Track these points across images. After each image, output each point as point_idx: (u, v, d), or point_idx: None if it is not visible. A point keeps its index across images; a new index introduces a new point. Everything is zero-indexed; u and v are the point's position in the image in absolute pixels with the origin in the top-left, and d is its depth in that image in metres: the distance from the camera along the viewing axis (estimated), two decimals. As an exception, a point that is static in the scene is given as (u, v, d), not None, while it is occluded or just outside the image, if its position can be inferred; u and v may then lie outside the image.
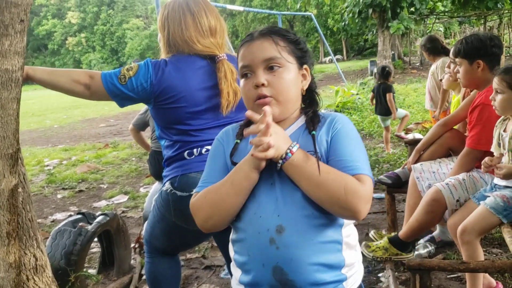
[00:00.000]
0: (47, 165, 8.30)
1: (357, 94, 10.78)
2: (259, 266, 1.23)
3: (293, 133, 1.30)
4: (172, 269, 2.31)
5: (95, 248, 3.90)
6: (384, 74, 6.09)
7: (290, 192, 1.22)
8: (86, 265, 3.66)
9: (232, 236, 1.34)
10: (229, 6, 12.70)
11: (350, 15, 19.34)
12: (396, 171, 3.08)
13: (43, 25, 75.85)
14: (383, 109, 5.99)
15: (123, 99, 2.03)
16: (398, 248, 2.68)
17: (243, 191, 1.23)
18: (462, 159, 2.58)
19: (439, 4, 20.48)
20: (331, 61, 29.90)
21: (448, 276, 2.88)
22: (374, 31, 20.41)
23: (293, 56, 1.30)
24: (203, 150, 2.01)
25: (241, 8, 14.85)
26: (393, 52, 22.07)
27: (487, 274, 2.56)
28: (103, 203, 5.56)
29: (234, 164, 1.28)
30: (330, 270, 1.23)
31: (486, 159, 2.35)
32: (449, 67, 3.24)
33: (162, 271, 2.27)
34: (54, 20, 76.07)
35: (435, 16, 22.97)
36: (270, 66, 1.26)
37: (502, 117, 2.36)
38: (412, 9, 18.78)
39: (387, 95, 5.88)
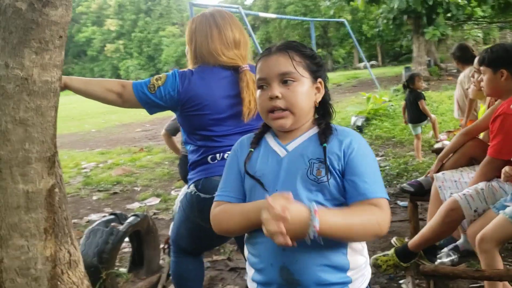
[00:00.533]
0: (84, 168, 8.60)
1: (389, 101, 10.71)
2: (268, 266, 1.33)
3: (304, 141, 1.38)
4: (197, 269, 2.43)
5: (127, 248, 4.06)
6: (409, 79, 6.10)
7: (295, 198, 1.28)
8: (117, 264, 3.83)
9: (246, 236, 1.44)
10: (262, 14, 12.84)
11: (385, 21, 19.20)
12: (419, 179, 3.11)
13: (83, 32, 77.93)
14: (413, 116, 5.99)
15: (152, 107, 2.19)
16: (401, 259, 2.69)
17: (254, 225, 1.29)
18: (483, 168, 2.61)
19: (477, 9, 20.05)
20: (365, 67, 29.70)
21: (470, 286, 2.89)
22: (409, 37, 20.18)
23: (307, 70, 1.38)
24: (225, 155, 2.13)
25: (274, 16, 14.91)
26: (429, 59, 21.72)
27: (508, 284, 2.58)
28: (136, 205, 5.75)
29: (247, 173, 1.39)
30: (335, 272, 1.31)
31: (506, 167, 2.38)
32: (473, 76, 3.25)
33: (187, 270, 2.38)
34: (93, 27, 78.13)
35: (473, 22, 22.50)
36: (285, 80, 1.35)
37: None
38: (449, 15, 18.44)
39: (419, 102, 5.88)
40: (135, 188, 6.69)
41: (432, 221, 2.60)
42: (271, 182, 1.35)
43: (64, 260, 2.13)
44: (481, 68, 2.70)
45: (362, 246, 1.40)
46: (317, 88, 1.42)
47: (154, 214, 5.27)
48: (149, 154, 9.30)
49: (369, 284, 1.42)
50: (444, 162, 2.99)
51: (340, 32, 41.91)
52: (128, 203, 5.93)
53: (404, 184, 3.10)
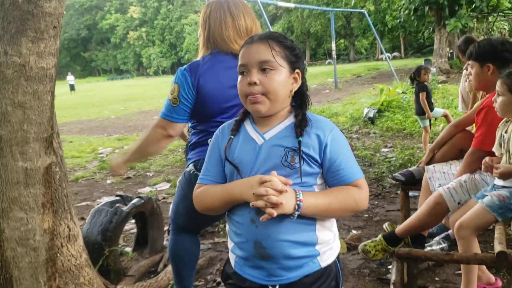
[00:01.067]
0: (101, 153, 8.85)
1: (403, 92, 10.67)
2: (244, 241, 1.45)
3: (281, 131, 1.48)
4: (193, 247, 2.55)
5: (134, 229, 4.24)
6: (416, 71, 6.10)
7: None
8: (123, 243, 4.02)
9: (226, 214, 1.57)
10: (280, 3, 12.82)
11: (406, 12, 19.01)
12: (411, 169, 3.20)
13: (106, 19, 78.72)
14: (419, 109, 6.02)
15: (190, 112, 2.26)
16: (389, 243, 2.78)
17: (233, 202, 1.46)
18: (468, 159, 2.69)
19: (504, 0, 19.66)
20: (389, 58, 29.45)
21: (456, 272, 2.99)
22: (431, 29, 19.94)
23: (286, 60, 1.47)
24: None
25: (292, 5, 14.88)
26: (451, 51, 21.43)
27: (486, 270, 2.66)
28: (147, 189, 5.94)
29: (227, 159, 1.50)
30: (303, 247, 1.42)
31: (486, 158, 2.45)
32: (466, 69, 3.31)
33: (183, 248, 2.51)
34: (117, 14, 78.82)
35: (498, 14, 22.08)
36: (264, 68, 1.44)
37: (505, 118, 2.45)
38: (472, 6, 18.14)
39: (420, 94, 5.90)
40: (148, 174, 6.88)
41: (419, 211, 2.69)
42: (248, 167, 1.46)
43: (64, 234, 2.30)
44: (470, 62, 2.78)
45: (331, 223, 1.52)
46: (294, 78, 1.50)
47: (164, 198, 5.44)
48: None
49: (337, 258, 1.54)
50: (435, 153, 3.07)
51: (362, 23, 41.49)
52: (139, 187, 6.12)
53: (396, 174, 3.19)
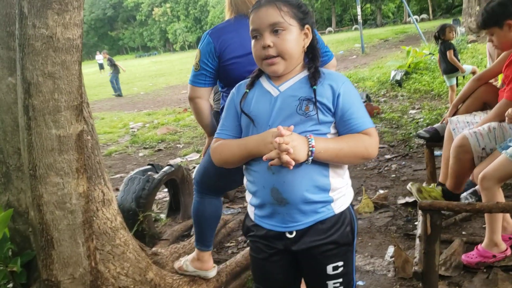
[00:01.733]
0: (132, 128, 9.07)
1: (430, 54, 10.44)
2: (261, 188, 1.52)
3: (296, 83, 1.53)
4: (215, 208, 2.62)
5: (167, 197, 4.39)
6: (442, 31, 5.98)
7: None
8: (157, 210, 4.18)
9: (244, 167, 1.64)
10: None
11: (433, -29, 18.37)
12: (435, 126, 3.20)
13: (131, -3, 78.72)
14: (446, 67, 5.93)
15: (212, 77, 2.31)
16: (444, 195, 2.84)
17: (250, 155, 1.52)
18: (499, 109, 2.65)
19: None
20: (416, 20, 28.62)
21: (483, 226, 3.00)
22: (460, -13, 19.24)
23: (295, 19, 1.51)
24: None
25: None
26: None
27: (511, 221, 2.68)
28: (177, 160, 6.10)
29: (243, 111, 1.56)
30: (318, 192, 1.49)
31: (510, 110, 2.44)
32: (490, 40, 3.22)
33: (206, 209, 2.59)
34: (141, -9, 78.67)
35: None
36: (275, 29, 1.49)
37: None
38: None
39: (448, 52, 5.79)
40: (178, 145, 7.04)
41: (450, 161, 2.73)
42: (264, 118, 1.52)
43: (98, 198, 2.42)
44: (486, 31, 2.73)
45: (344, 171, 1.58)
46: (305, 34, 1.55)
47: (194, 167, 5.58)
48: (192, 114, 9.62)
49: (351, 204, 1.60)
50: (458, 107, 3.06)
51: (389, -15, 40.31)
52: (171, 158, 6.29)
53: (420, 131, 3.20)
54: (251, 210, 1.63)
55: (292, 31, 1.50)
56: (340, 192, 1.54)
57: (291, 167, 1.38)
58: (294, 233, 1.50)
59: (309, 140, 1.40)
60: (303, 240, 1.50)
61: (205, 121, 2.45)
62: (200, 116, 2.42)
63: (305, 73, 1.55)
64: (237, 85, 1.69)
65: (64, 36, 1.80)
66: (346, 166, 1.60)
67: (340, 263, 1.55)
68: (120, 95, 16.57)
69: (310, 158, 1.41)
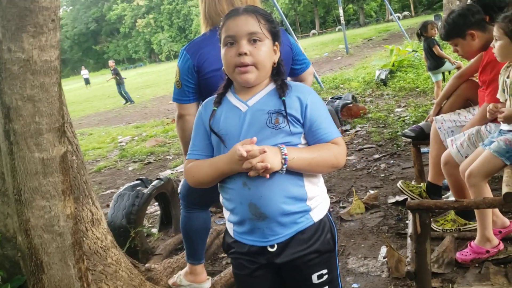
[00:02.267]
0: (120, 142, 9.03)
1: (414, 51, 10.53)
2: (238, 205, 1.51)
3: (264, 97, 1.54)
4: (203, 222, 2.62)
5: (158, 211, 4.37)
6: (422, 27, 6.06)
7: (256, 144, 1.44)
8: (149, 225, 4.16)
9: (218, 185, 1.63)
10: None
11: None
12: (420, 124, 3.23)
13: (113, 10, 78.72)
14: (431, 64, 5.99)
15: (195, 92, 2.29)
16: (465, 218, 2.89)
17: (222, 175, 1.51)
18: (483, 113, 2.67)
19: None
20: (399, 18, 28.85)
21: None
22: (439, -17, 19.45)
23: (270, 33, 1.54)
24: None
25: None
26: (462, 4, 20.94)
27: (500, 215, 2.70)
28: (167, 172, 6.07)
29: (212, 130, 1.55)
30: (295, 202, 1.49)
31: (491, 105, 2.47)
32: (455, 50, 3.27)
33: (194, 223, 2.58)
34: (123, 4, 78.71)
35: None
36: (253, 39, 1.50)
37: (506, 64, 2.45)
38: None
39: (434, 48, 5.86)
40: (168, 157, 7.02)
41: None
42: (235, 134, 1.51)
43: (87, 218, 2.41)
44: (450, 42, 2.81)
45: (318, 179, 1.59)
46: (274, 50, 1.58)
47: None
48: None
49: (329, 211, 1.61)
50: (442, 106, 3.08)
51: (369, -16, 40.64)
52: (161, 171, 6.26)
53: (406, 130, 3.22)
54: (230, 227, 1.61)
55: (267, 44, 1.53)
56: (317, 200, 1.55)
57: (268, 176, 1.39)
58: (276, 247, 1.50)
59: (281, 149, 1.41)
60: (286, 253, 1.50)
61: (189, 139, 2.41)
62: (187, 133, 2.32)
63: (271, 86, 1.57)
64: (203, 103, 1.68)
65: (41, 58, 1.79)
66: (320, 174, 1.61)
67: (325, 271, 1.55)
68: (131, 102, 17.11)
69: (284, 167, 1.41)
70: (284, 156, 1.40)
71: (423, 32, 5.97)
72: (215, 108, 1.59)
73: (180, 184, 2.70)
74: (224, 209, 1.63)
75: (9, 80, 1.75)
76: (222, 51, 1.55)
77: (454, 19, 2.70)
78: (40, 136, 1.86)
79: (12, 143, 1.83)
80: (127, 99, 17.41)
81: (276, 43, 1.58)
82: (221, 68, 2.24)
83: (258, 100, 1.54)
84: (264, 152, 1.37)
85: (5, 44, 1.71)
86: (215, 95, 1.64)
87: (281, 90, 1.52)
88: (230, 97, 1.60)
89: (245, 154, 1.35)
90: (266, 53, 1.52)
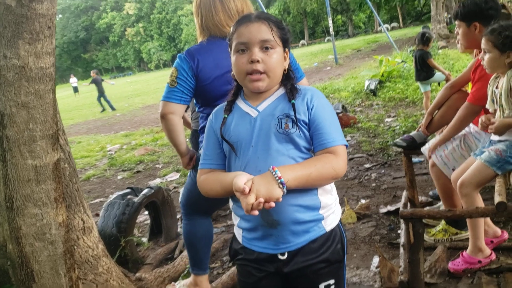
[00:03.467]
0: (109, 150, 8.97)
1: (402, 61, 10.65)
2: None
3: (274, 101, 1.54)
4: (206, 230, 2.60)
5: (148, 220, 4.34)
6: (423, 40, 6.13)
7: (267, 151, 1.47)
8: (138, 234, 4.13)
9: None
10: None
11: (400, -19, 18.82)
12: (411, 134, 3.23)
13: (103, 19, 78.60)
14: (421, 75, 6.05)
15: (188, 95, 2.29)
16: (456, 227, 2.91)
17: (232, 193, 1.47)
18: (462, 113, 2.70)
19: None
20: (387, 29, 29.15)
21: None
22: (427, -5, 19.72)
23: (281, 40, 1.54)
24: None
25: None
26: (449, 16, 21.22)
27: (491, 224, 2.73)
28: (157, 181, 6.04)
29: (223, 137, 1.54)
30: (308, 211, 1.48)
31: (483, 117, 2.49)
32: (457, 33, 3.31)
33: (197, 231, 2.56)
34: (113, 12, 78.67)
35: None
36: (266, 46, 1.50)
37: (495, 74, 2.48)
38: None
39: (428, 61, 5.94)
40: (157, 166, 6.98)
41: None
42: (246, 140, 1.50)
43: (79, 227, 2.39)
44: (456, 22, 2.80)
45: (331, 187, 1.58)
46: (284, 57, 1.58)
47: (174, 187, 5.53)
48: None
49: (340, 221, 1.60)
50: (433, 116, 3.11)
51: (359, -4, 41.08)
52: (150, 179, 6.22)
53: (397, 140, 3.22)
54: (238, 233, 1.59)
55: (278, 51, 1.52)
56: (330, 209, 1.54)
57: (273, 204, 1.35)
58: (286, 255, 1.49)
59: (274, 173, 1.37)
60: (295, 261, 1.49)
61: (178, 139, 2.37)
62: (173, 134, 2.34)
63: (281, 90, 1.57)
64: (213, 111, 1.67)
65: (37, 65, 1.78)
66: (332, 184, 1.60)
67: (332, 281, 1.54)
68: (112, 109, 17.40)
69: (285, 189, 1.37)
70: (279, 180, 1.36)
71: (425, 45, 6.04)
72: (226, 116, 1.58)
73: (180, 193, 2.68)
74: (233, 214, 1.62)
75: (4, 86, 1.74)
76: (233, 57, 1.54)
77: (469, 4, 2.70)
78: (34, 143, 1.85)
79: (5, 150, 1.82)
80: (110, 107, 17.73)
81: (286, 49, 1.58)
82: (219, 75, 2.25)
83: (268, 105, 1.54)
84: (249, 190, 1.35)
85: (1, 51, 1.71)
86: (225, 103, 1.63)
87: (291, 93, 1.52)
88: (240, 103, 1.59)
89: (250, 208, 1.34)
90: (278, 60, 1.52)
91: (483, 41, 2.38)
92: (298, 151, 1.48)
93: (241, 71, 1.52)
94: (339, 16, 54.26)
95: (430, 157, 2.93)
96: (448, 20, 20.02)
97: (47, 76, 1.83)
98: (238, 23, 1.55)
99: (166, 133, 2.37)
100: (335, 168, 1.45)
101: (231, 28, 1.57)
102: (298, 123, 1.47)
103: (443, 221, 2.97)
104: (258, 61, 1.48)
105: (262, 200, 1.33)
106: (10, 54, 1.72)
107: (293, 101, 1.50)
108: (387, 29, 26.64)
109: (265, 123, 1.49)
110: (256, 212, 1.34)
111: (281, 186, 1.36)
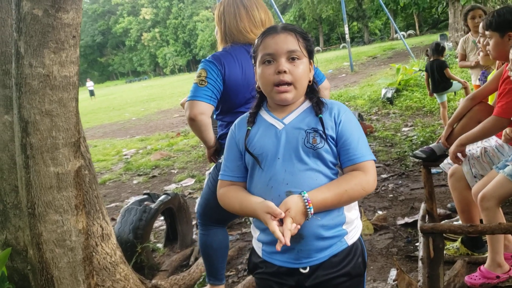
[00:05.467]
0: (125, 155, 9.02)
1: (420, 70, 10.56)
2: None
3: (300, 114, 1.53)
4: (222, 239, 2.60)
5: (164, 226, 4.35)
6: (439, 50, 6.07)
7: (295, 165, 1.46)
8: (154, 240, 4.14)
9: None
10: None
11: (418, -12, 18.72)
12: (431, 145, 3.20)
13: (120, 23, 79.35)
14: (439, 85, 5.99)
15: (216, 97, 2.27)
16: (470, 248, 2.88)
17: (249, 216, 1.52)
18: (487, 125, 2.61)
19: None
20: (404, 36, 29.00)
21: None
22: (444, 4, 19.59)
23: (307, 51, 1.54)
24: None
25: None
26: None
27: (510, 237, 2.68)
28: (172, 186, 6.06)
29: (248, 151, 1.53)
30: (334, 226, 1.47)
31: (507, 129, 2.46)
32: (479, 42, 3.27)
33: (213, 241, 2.56)
34: (129, 17, 79.40)
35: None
36: (292, 57, 1.50)
37: None
38: (486, -24, 17.73)
39: (445, 70, 5.87)
40: (172, 171, 7.00)
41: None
42: (272, 152, 1.49)
43: (97, 233, 2.40)
44: (487, 32, 2.73)
45: (355, 202, 1.56)
46: (310, 68, 1.57)
47: (189, 193, 5.55)
48: (186, 138, 9.63)
49: (361, 234, 1.59)
50: (453, 127, 3.07)
51: (374, 4, 40.93)
52: (165, 185, 6.25)
53: (416, 151, 3.19)
54: (258, 246, 1.59)
55: (305, 62, 1.52)
56: (353, 223, 1.54)
57: (299, 227, 1.37)
58: (308, 269, 1.47)
59: (303, 197, 1.38)
60: (317, 274, 1.47)
61: (208, 136, 2.34)
62: (203, 133, 2.31)
63: (307, 104, 1.56)
64: (235, 122, 1.66)
65: (61, 74, 1.80)
66: None
67: None
68: None
69: (310, 215, 1.39)
70: (309, 208, 1.37)
71: (440, 55, 5.98)
72: (249, 128, 1.56)
73: (197, 203, 2.67)
74: (252, 227, 1.61)
75: (29, 94, 1.76)
76: (259, 69, 1.54)
77: (505, 13, 2.63)
78: (56, 151, 1.87)
79: (28, 157, 1.83)
80: None
81: (311, 60, 1.58)
82: (243, 81, 2.25)
83: (295, 117, 1.53)
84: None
85: (26, 60, 1.72)
86: (247, 114, 1.63)
87: (318, 107, 1.51)
88: (265, 115, 1.58)
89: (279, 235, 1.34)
90: (304, 71, 1.52)
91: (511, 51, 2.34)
92: (325, 166, 1.47)
93: (267, 82, 1.51)
94: (354, 23, 54.13)
95: (443, 143, 2.95)
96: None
97: (70, 84, 1.85)
98: (264, 35, 1.54)
99: (196, 133, 2.33)
100: (365, 188, 1.44)
101: (257, 40, 1.57)
102: (326, 138, 1.46)
103: (458, 240, 2.93)
104: (285, 72, 1.47)
105: (299, 226, 1.35)
106: (36, 63, 1.74)
107: (320, 115, 1.49)
108: (404, 36, 26.50)
109: (292, 136, 1.48)
110: (289, 243, 1.33)
111: (308, 211, 1.37)
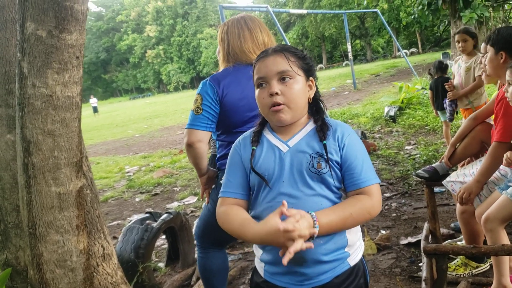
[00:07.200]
0: (128, 172, 9.01)
1: (423, 88, 10.59)
2: (275, 246, 1.43)
3: (304, 137, 1.52)
4: (221, 261, 2.58)
5: (165, 244, 4.32)
6: (442, 68, 6.06)
7: (299, 188, 1.46)
8: (156, 259, 4.11)
9: None
10: (292, 11, 12.92)
11: (420, 7, 18.81)
12: (434, 165, 3.19)
13: (124, 40, 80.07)
14: (439, 104, 5.97)
15: (214, 121, 2.31)
16: (475, 260, 2.86)
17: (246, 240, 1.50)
18: (492, 154, 2.59)
19: (521, -14, 19.27)
20: (407, 54, 29.13)
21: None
22: (446, 22, 19.70)
23: (301, 69, 1.53)
24: None
25: (305, 11, 14.97)
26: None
27: (515, 260, 2.65)
28: (175, 204, 6.04)
29: (256, 172, 1.51)
30: (336, 249, 1.46)
31: (508, 153, 2.44)
32: (481, 62, 3.28)
33: (212, 264, 2.54)
34: (133, 34, 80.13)
35: (514, 1, 21.66)
36: (283, 77, 1.49)
37: None
38: (487, -5, 17.85)
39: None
40: (175, 189, 6.99)
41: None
42: (276, 175, 1.49)
43: (99, 253, 2.38)
44: (487, 46, 2.75)
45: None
46: (309, 86, 1.57)
47: (192, 212, 5.53)
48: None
49: (363, 255, 1.58)
50: (456, 147, 3.06)
51: (377, 22, 41.28)
52: (168, 202, 6.22)
53: (419, 171, 3.18)
54: (260, 266, 1.58)
55: (299, 81, 1.52)
56: (355, 245, 1.53)
57: (312, 246, 1.34)
58: None
59: (313, 217, 1.36)
60: None
61: (203, 164, 2.40)
62: (198, 160, 2.36)
63: (311, 125, 1.56)
64: (239, 139, 1.65)
65: (64, 94, 1.81)
66: None
67: None
68: None
69: (315, 236, 1.36)
70: (315, 226, 1.35)
71: (443, 73, 5.97)
72: (254, 148, 1.56)
73: (195, 225, 2.66)
74: (255, 246, 1.59)
75: (31, 114, 1.77)
76: (256, 93, 1.55)
77: (504, 31, 2.65)
78: (58, 171, 1.86)
79: (30, 177, 1.83)
80: None
81: (311, 78, 1.57)
82: (243, 101, 2.26)
83: (299, 140, 1.52)
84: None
85: (30, 80, 1.73)
86: (250, 133, 1.62)
87: (322, 132, 1.50)
88: (269, 135, 1.58)
89: (291, 227, 1.29)
90: (298, 90, 1.51)
91: (508, 72, 2.35)
92: (329, 190, 1.47)
93: (264, 105, 1.52)
94: (357, 41, 54.46)
95: (447, 163, 2.99)
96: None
97: (73, 104, 1.85)
98: (256, 59, 1.56)
99: (191, 160, 2.38)
100: (370, 212, 1.44)
101: (253, 64, 1.57)
102: (331, 163, 1.46)
103: (461, 256, 2.90)
104: (277, 93, 1.48)
105: (304, 247, 1.31)
106: (39, 83, 1.75)
107: (324, 142, 1.48)
108: (406, 54, 26.57)
109: (297, 160, 1.48)
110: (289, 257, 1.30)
111: (315, 227, 1.36)
